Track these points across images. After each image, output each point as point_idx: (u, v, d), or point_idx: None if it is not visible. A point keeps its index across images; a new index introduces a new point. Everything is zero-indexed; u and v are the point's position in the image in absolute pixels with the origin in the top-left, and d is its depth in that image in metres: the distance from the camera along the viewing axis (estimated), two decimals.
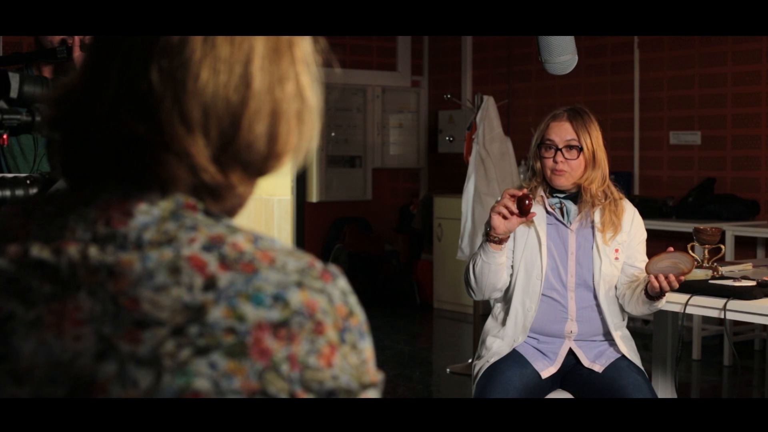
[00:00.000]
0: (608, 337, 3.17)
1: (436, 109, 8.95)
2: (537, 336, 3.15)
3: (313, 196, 8.47)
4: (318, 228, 8.49)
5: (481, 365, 3.16)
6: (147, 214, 0.85)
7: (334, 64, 0.95)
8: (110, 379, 0.79)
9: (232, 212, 0.93)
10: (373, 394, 0.86)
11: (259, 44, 0.88)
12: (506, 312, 3.17)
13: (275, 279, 0.83)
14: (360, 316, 0.87)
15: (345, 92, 8.58)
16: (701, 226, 3.68)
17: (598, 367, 3.11)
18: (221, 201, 0.90)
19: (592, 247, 3.12)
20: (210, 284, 0.81)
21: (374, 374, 0.87)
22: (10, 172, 2.91)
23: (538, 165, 3.14)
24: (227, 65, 0.86)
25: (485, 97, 6.10)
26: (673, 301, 3.26)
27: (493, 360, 3.12)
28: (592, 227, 3.14)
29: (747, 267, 3.79)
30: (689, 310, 3.24)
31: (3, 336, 0.82)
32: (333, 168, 8.61)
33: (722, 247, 3.59)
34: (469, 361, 6.02)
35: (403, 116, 9.03)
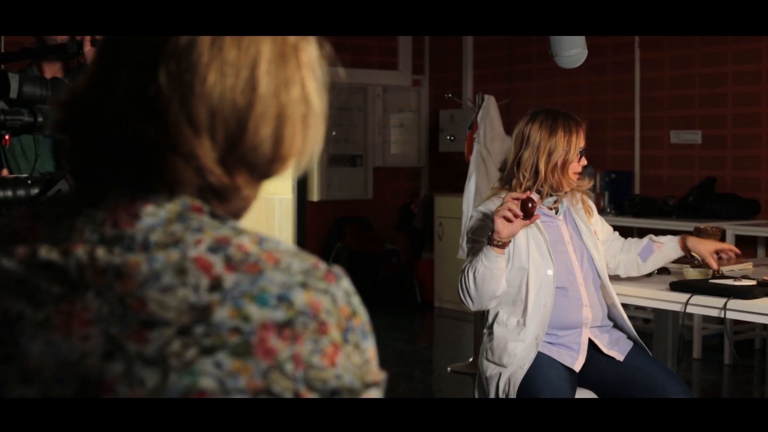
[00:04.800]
0: (614, 317, 3.27)
1: (437, 108, 8.95)
2: (555, 332, 3.16)
3: (314, 195, 8.47)
4: (319, 227, 8.49)
5: (510, 373, 3.12)
6: (154, 216, 0.86)
7: (338, 65, 0.96)
8: (117, 378, 0.80)
9: (237, 214, 0.94)
10: (375, 393, 0.87)
11: (266, 48, 0.89)
12: (524, 314, 3.16)
13: (280, 280, 0.85)
14: (363, 317, 0.89)
15: (346, 91, 8.58)
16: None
17: (619, 356, 3.18)
18: (227, 203, 0.91)
19: (580, 233, 3.27)
20: (216, 285, 0.83)
21: (377, 373, 0.88)
22: (11, 171, 2.92)
23: (553, 169, 3.17)
24: (234, 68, 0.87)
25: (486, 97, 6.11)
26: (673, 300, 3.28)
27: (525, 367, 3.09)
28: (571, 215, 3.29)
29: (747, 266, 3.80)
30: (689, 309, 3.25)
31: (12, 336, 0.83)
32: (334, 167, 8.62)
33: None
34: (470, 360, 6.03)
35: (404, 115, 9.03)
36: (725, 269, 3.59)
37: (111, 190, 0.88)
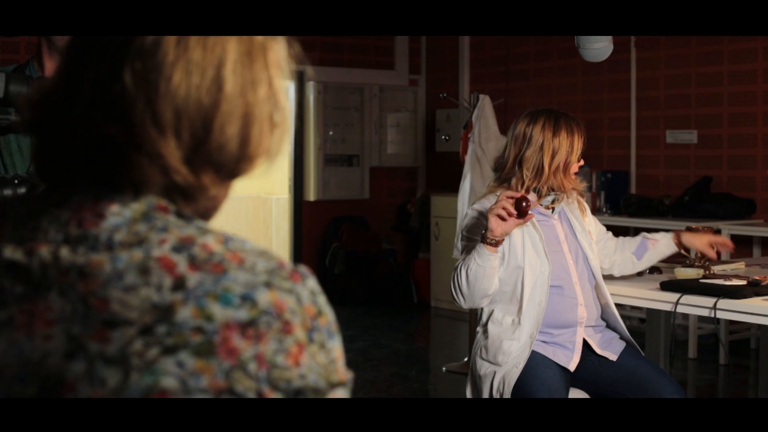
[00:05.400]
0: (607, 316, 3.27)
1: (434, 108, 8.95)
2: (550, 331, 3.16)
3: (311, 195, 8.47)
4: (315, 226, 8.49)
5: (505, 372, 3.12)
6: (118, 215, 0.86)
7: (307, 63, 0.96)
8: (79, 378, 0.80)
9: (206, 215, 0.94)
10: (341, 393, 0.87)
11: (232, 48, 0.89)
12: (519, 312, 3.16)
13: (244, 279, 0.84)
14: (329, 316, 0.88)
15: (342, 91, 8.58)
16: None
17: (612, 356, 3.18)
18: (193, 202, 0.91)
19: (575, 232, 3.27)
20: (179, 284, 0.83)
21: (343, 373, 0.88)
22: (7, 169, 2.92)
23: (556, 169, 3.17)
24: (200, 68, 0.87)
25: (481, 96, 6.12)
26: (664, 300, 3.28)
27: (521, 366, 3.09)
28: (566, 214, 3.29)
29: (739, 266, 3.80)
30: (680, 309, 3.25)
31: None
32: (330, 166, 8.61)
33: None
34: (465, 359, 6.03)
35: (400, 115, 9.03)
36: (717, 269, 3.59)
37: (76, 190, 0.88)
